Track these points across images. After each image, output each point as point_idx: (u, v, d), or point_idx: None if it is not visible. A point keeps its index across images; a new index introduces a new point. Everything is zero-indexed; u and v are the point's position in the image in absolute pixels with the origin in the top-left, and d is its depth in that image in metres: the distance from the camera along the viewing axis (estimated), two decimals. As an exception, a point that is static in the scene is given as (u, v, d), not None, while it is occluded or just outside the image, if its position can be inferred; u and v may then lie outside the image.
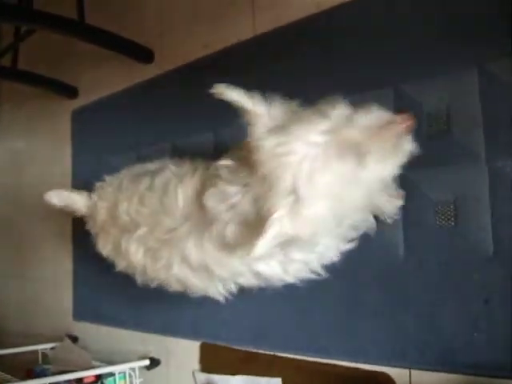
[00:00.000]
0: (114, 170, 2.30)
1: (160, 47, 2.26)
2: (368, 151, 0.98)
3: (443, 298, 1.42)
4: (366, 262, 1.54)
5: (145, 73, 2.28)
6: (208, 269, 1.28)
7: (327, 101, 1.06)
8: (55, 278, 2.81)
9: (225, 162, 1.19)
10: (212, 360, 1.94)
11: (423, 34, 1.49)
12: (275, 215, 0.98)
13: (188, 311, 2.04)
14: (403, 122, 1.01)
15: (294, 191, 0.97)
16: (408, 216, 1.47)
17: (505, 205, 1.32)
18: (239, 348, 1.87)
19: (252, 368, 1.81)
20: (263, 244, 0.99)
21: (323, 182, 0.97)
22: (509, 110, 1.31)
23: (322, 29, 1.73)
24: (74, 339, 2.55)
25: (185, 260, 1.31)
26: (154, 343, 2.18)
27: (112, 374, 2.07)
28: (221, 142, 1.95)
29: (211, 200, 1.18)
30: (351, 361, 1.59)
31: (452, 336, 1.40)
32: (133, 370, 2.07)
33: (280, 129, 1.02)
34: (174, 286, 1.45)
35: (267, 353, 1.78)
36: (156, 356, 2.14)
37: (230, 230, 1.15)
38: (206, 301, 1.91)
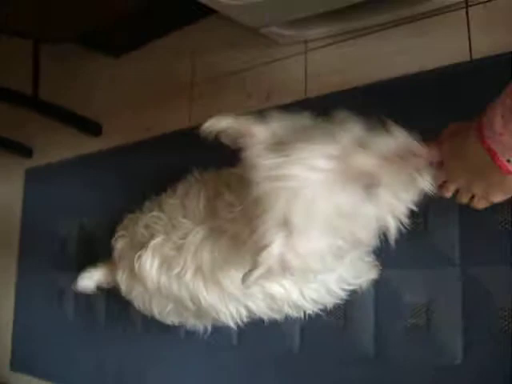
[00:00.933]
0: (57, 234, 2.43)
1: (108, 122, 2.40)
2: (379, 183, 0.86)
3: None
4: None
5: (92, 145, 2.40)
6: (219, 282, 1.15)
7: (340, 118, 0.94)
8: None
9: (235, 170, 1.09)
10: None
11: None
12: (268, 250, 0.86)
13: (110, 368, 2.14)
14: (426, 155, 0.89)
15: (287, 222, 0.85)
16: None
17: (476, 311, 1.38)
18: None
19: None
20: (253, 280, 0.89)
21: (323, 214, 0.85)
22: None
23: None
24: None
25: (199, 269, 1.16)
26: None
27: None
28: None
29: (220, 208, 1.10)
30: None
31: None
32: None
33: (282, 147, 0.88)
34: (186, 304, 1.27)
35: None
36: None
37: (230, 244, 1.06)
38: (128, 359, 2.05)
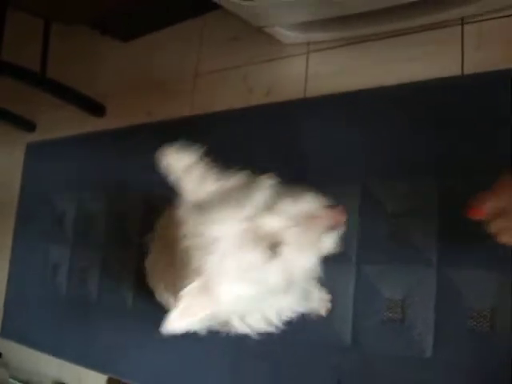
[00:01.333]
0: (54, 209, 2.49)
1: (111, 105, 2.46)
2: (283, 242, 0.95)
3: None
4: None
5: (96, 125, 2.47)
6: None
7: (256, 181, 1.04)
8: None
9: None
10: (116, 395, 2.11)
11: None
12: (183, 295, 0.94)
13: (101, 344, 2.20)
14: (331, 218, 0.99)
15: (202, 273, 0.94)
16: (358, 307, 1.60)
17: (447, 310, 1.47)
18: (140, 387, 2.04)
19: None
20: (172, 321, 0.96)
21: (232, 268, 0.94)
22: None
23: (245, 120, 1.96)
24: (-1, 355, 2.68)
25: None
26: (69, 370, 2.32)
27: (25, 394, 2.20)
28: (151, 200, 2.15)
29: None
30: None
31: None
32: (44, 393, 2.22)
33: (205, 207, 0.99)
34: None
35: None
36: (67, 382, 2.29)
37: None
38: (117, 336, 2.13)
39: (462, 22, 1.58)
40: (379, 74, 1.71)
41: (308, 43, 1.87)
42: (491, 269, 1.41)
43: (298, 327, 1.60)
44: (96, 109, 2.44)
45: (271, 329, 1.32)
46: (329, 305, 1.61)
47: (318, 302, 1.56)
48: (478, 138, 1.50)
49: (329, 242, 1.03)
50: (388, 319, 1.54)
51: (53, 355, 2.37)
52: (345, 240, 1.60)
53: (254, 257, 0.94)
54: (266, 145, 1.88)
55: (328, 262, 1.45)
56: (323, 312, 1.60)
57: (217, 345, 1.74)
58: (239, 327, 1.29)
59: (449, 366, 1.43)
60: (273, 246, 0.95)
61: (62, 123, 2.63)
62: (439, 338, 1.45)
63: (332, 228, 1.01)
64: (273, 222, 0.95)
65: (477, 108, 1.53)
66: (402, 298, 1.53)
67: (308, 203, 0.99)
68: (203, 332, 1.30)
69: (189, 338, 1.62)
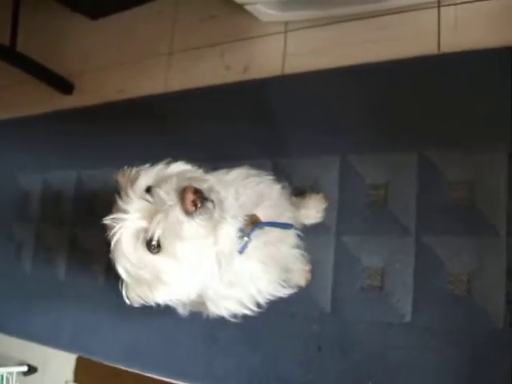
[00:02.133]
0: (19, 188, 2.40)
1: (81, 82, 2.39)
2: (153, 233, 1.00)
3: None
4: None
5: (63, 103, 2.39)
6: None
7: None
8: None
9: None
10: (85, 373, 2.05)
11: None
12: None
13: (67, 323, 2.14)
14: (177, 204, 0.99)
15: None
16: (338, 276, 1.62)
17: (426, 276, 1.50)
18: (110, 364, 1.99)
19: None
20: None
21: (123, 265, 1.05)
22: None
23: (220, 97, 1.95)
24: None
25: None
26: (34, 351, 2.24)
27: (-10, 376, 2.11)
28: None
29: None
30: (204, 384, 1.77)
31: (289, 374, 1.62)
32: (10, 374, 2.13)
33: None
34: None
35: (135, 372, 1.92)
36: (33, 364, 2.21)
37: None
38: (85, 315, 2.07)
39: (439, 4, 1.62)
40: (356, 53, 1.73)
41: (286, 22, 1.87)
42: (468, 234, 1.46)
43: (279, 299, 1.63)
44: (64, 86, 2.37)
45: (248, 312, 1.33)
46: (309, 275, 1.62)
47: (298, 273, 1.57)
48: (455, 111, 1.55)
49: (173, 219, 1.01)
50: (367, 287, 1.57)
51: (17, 337, 2.27)
52: (324, 212, 1.66)
53: (134, 255, 1.02)
54: (245, 120, 1.87)
55: (307, 233, 1.49)
56: (303, 283, 1.60)
57: (193, 320, 1.72)
58: (215, 311, 1.32)
59: (428, 330, 1.46)
60: (146, 241, 1.00)
61: (26, 101, 2.53)
62: (418, 304, 1.49)
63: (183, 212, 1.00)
64: (135, 222, 1.00)
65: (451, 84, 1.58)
66: (382, 266, 1.56)
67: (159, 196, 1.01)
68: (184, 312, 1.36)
69: (163, 313, 1.62)
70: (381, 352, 1.52)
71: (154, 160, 1.14)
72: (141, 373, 1.91)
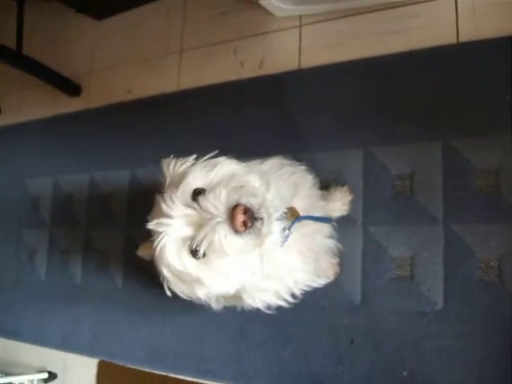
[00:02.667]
0: (29, 193, 2.36)
1: (88, 83, 2.36)
2: (200, 242, 0.99)
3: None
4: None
5: (71, 105, 2.36)
6: None
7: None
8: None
9: None
10: (108, 378, 2.02)
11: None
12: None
13: (86, 327, 2.10)
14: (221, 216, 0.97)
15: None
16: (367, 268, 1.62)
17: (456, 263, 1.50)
18: (134, 367, 1.96)
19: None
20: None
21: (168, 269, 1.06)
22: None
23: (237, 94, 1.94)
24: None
25: None
26: (52, 358, 2.20)
27: (11, 386, 2.07)
28: (136, 180, 2.08)
29: None
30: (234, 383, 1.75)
31: (321, 368, 1.62)
32: (31, 382, 2.09)
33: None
34: None
35: (160, 373, 1.90)
36: (53, 370, 2.17)
37: None
38: (104, 318, 2.04)
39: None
40: (373, 45, 1.73)
41: (300, 17, 1.87)
42: (496, 221, 1.47)
43: (308, 292, 1.62)
44: (71, 88, 2.33)
45: (283, 303, 1.33)
46: (337, 268, 1.61)
47: (327, 266, 1.56)
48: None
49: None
50: (397, 277, 1.57)
51: (35, 344, 2.24)
52: (350, 204, 1.66)
53: (180, 263, 1.02)
54: (263, 117, 1.87)
55: (334, 226, 1.49)
56: (332, 275, 1.60)
57: (219, 316, 1.71)
58: (251, 303, 1.31)
59: (459, 316, 1.47)
60: (192, 248, 1.00)
61: (31, 105, 2.50)
62: (449, 291, 1.49)
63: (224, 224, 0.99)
64: (183, 231, 1.00)
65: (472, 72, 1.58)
66: (411, 255, 1.56)
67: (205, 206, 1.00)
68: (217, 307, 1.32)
69: (186, 311, 1.60)
70: (414, 341, 1.52)
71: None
72: (167, 374, 1.88)
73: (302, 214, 1.27)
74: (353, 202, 1.64)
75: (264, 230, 1.00)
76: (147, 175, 2.01)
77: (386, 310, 1.56)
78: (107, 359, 2.03)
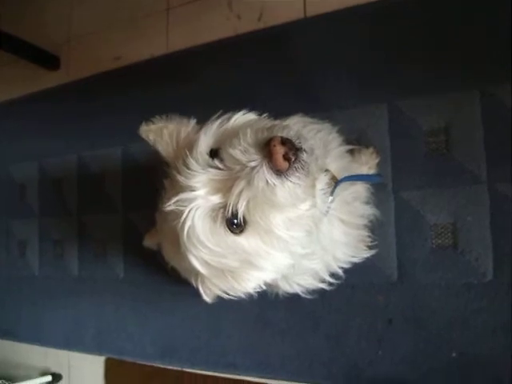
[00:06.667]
0: (13, 181, 2.11)
1: (67, 54, 2.07)
2: (236, 207, 0.78)
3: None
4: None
5: (50, 80, 2.08)
6: None
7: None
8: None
9: None
10: (117, 376, 1.81)
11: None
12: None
13: (89, 323, 1.89)
14: (269, 156, 0.74)
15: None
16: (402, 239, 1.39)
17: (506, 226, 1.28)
18: (146, 363, 1.75)
19: (159, 384, 1.70)
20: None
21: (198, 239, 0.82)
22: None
23: (236, 51, 1.67)
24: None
25: None
26: (55, 356, 2.00)
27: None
28: (129, 156, 1.82)
29: None
30: (259, 376, 1.55)
31: (358, 353, 1.40)
32: (35, 387, 1.87)
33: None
34: None
35: (175, 368, 1.69)
36: (57, 371, 1.95)
37: None
38: (108, 312, 1.82)
39: None
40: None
41: (302, -45, 1.59)
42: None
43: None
44: (49, 61, 2.05)
45: (324, 285, 1.11)
46: (369, 242, 1.37)
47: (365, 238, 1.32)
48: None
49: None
50: (438, 246, 1.35)
51: (34, 343, 2.02)
52: (377, 168, 1.42)
53: (213, 236, 0.79)
54: (265, 77, 1.60)
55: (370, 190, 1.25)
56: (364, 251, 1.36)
57: (235, 303, 1.50)
58: (288, 289, 1.11)
59: (513, 285, 1.25)
60: (226, 219, 0.78)
61: (7, 84, 2.22)
62: (500, 259, 1.28)
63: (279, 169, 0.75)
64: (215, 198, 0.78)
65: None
66: (452, 221, 1.33)
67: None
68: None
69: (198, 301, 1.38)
70: (462, 318, 1.32)
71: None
72: (181, 369, 1.67)
73: (338, 176, 1.02)
74: (380, 165, 1.40)
75: (312, 166, 0.76)
76: (142, 150, 1.76)
77: (428, 285, 1.36)
78: (115, 356, 1.82)
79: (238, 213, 0.75)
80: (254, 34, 1.64)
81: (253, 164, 0.73)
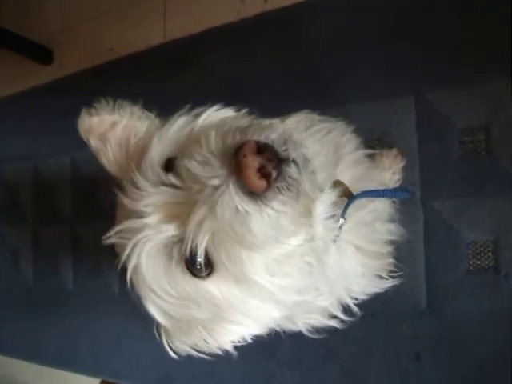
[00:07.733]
0: (5, 183, 1.96)
1: (60, 47, 1.91)
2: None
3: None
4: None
5: (44, 75, 1.93)
6: None
7: None
8: None
9: None
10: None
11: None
12: None
13: (85, 341, 1.74)
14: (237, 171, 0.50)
15: None
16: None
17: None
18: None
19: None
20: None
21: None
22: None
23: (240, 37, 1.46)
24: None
25: None
26: (50, 376, 1.86)
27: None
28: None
29: None
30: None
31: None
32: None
33: None
34: None
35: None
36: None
37: None
38: (105, 334, 1.64)
39: None
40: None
41: None
42: None
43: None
44: (41, 54, 1.89)
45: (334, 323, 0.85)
46: (392, 262, 1.13)
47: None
48: None
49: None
50: (476, 268, 1.14)
51: (27, 360, 1.87)
52: (402, 172, 1.19)
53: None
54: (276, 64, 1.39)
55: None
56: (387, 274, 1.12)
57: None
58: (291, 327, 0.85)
59: None
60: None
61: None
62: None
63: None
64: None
65: None
66: (493, 238, 1.12)
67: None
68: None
69: None
70: (504, 351, 1.10)
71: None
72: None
73: (353, 189, 0.79)
74: (406, 170, 1.17)
75: (305, 184, 0.52)
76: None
77: (464, 314, 1.15)
78: (111, 379, 1.65)
79: (196, 252, 0.53)
80: (260, 17, 1.43)
81: (215, 182, 0.50)
